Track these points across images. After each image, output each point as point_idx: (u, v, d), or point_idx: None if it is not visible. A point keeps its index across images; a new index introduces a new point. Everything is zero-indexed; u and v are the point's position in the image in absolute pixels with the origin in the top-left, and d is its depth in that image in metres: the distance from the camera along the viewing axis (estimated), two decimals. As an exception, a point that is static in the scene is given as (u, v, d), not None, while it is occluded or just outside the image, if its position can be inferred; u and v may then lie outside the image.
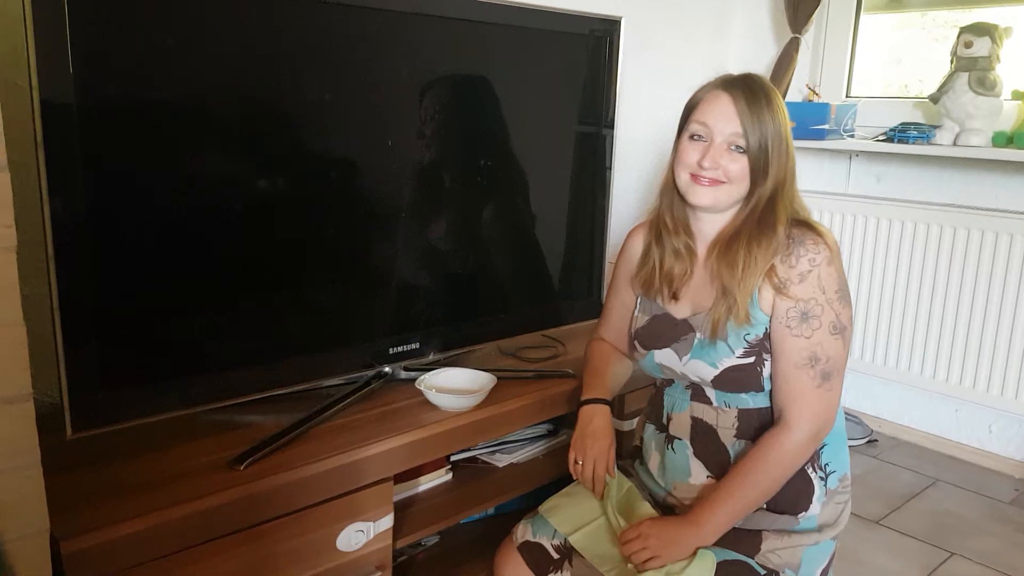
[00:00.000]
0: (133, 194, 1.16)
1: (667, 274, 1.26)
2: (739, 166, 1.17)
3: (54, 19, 1.02)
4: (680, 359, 1.24)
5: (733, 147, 1.16)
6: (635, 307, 1.36)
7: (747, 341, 1.18)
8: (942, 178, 2.52)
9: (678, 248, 1.25)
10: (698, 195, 1.19)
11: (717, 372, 1.19)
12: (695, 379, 1.23)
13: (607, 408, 1.34)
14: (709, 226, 1.24)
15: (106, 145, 1.11)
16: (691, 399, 1.25)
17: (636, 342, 1.32)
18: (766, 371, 1.18)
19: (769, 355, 1.18)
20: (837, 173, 2.74)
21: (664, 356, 1.26)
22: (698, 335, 1.22)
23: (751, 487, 1.16)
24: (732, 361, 1.18)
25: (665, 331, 1.27)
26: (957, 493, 2.34)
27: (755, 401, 1.21)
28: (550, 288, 1.81)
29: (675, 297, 1.27)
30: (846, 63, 2.79)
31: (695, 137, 1.19)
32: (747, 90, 1.17)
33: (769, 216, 1.17)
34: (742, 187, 1.18)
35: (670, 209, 1.26)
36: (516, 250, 1.74)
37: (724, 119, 1.16)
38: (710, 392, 1.23)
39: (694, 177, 1.18)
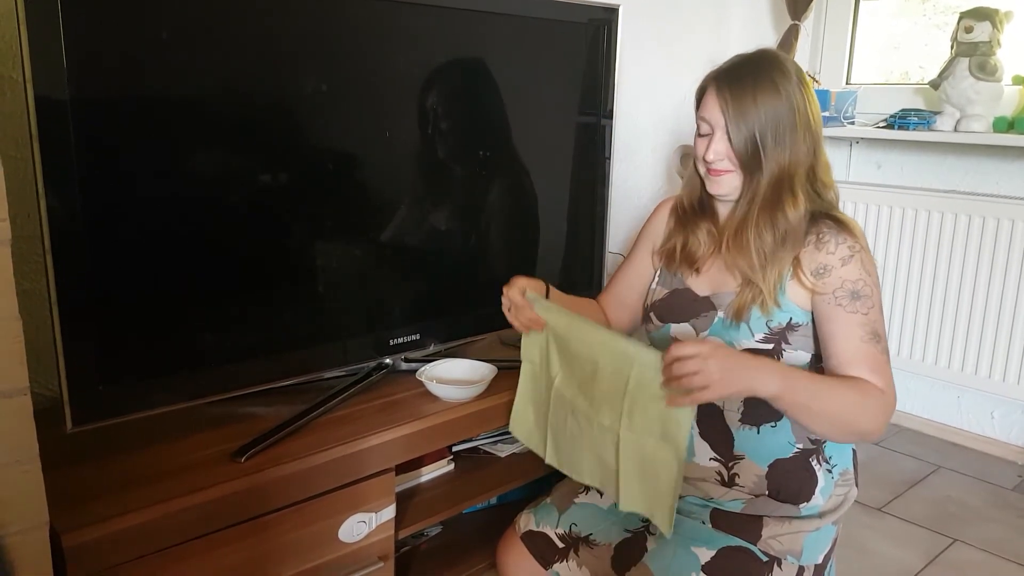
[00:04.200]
0: (130, 186, 1.15)
1: (690, 254, 1.29)
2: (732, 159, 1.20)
3: (47, 11, 1.02)
4: (697, 335, 1.24)
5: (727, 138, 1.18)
6: (653, 280, 1.36)
7: (769, 327, 1.18)
8: (943, 164, 2.52)
9: (701, 232, 1.28)
10: (711, 184, 1.23)
11: None
12: None
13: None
14: (726, 210, 1.27)
15: (102, 138, 1.11)
16: None
17: (652, 314, 1.32)
18: (784, 360, 1.18)
19: (789, 344, 1.18)
20: (838, 160, 2.73)
21: (681, 330, 1.26)
22: (720, 314, 1.22)
23: (836, 395, 1.09)
24: (751, 344, 1.18)
25: (685, 306, 1.27)
26: (960, 480, 2.34)
27: None
28: (550, 278, 1.80)
29: (697, 271, 1.28)
30: (846, 50, 2.78)
31: (701, 131, 1.23)
32: (734, 81, 1.17)
33: (775, 200, 1.17)
34: (735, 180, 1.21)
35: (695, 194, 1.30)
36: (516, 240, 1.74)
37: (715, 115, 1.19)
38: None
39: (707, 169, 1.22)
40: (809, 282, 1.16)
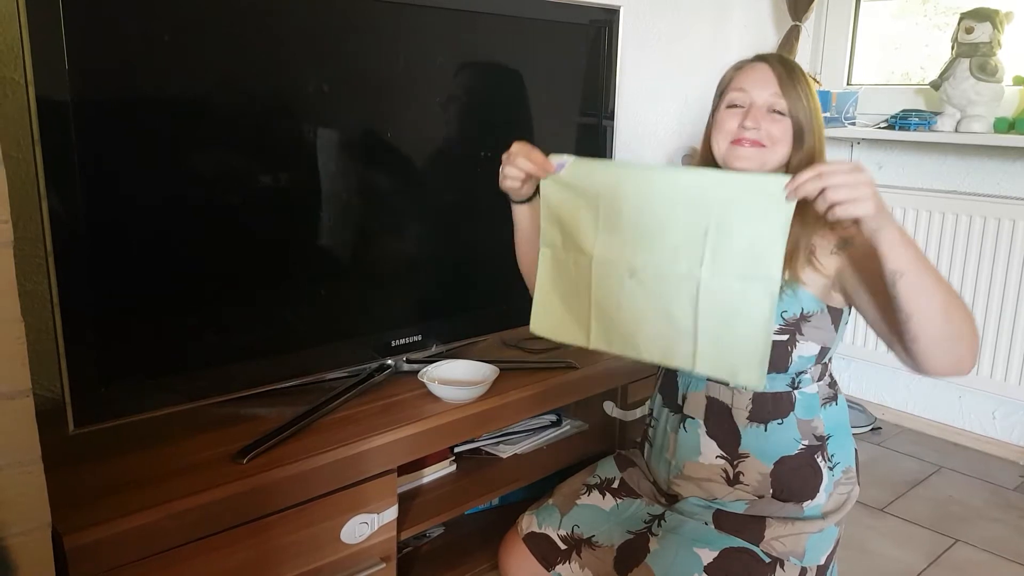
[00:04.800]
0: (132, 187, 1.15)
1: None
2: (780, 128, 1.16)
3: (48, 13, 1.02)
4: None
5: (773, 110, 1.16)
6: None
7: (783, 318, 1.17)
8: (944, 165, 2.52)
9: None
10: (741, 157, 1.16)
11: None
12: None
13: None
14: None
15: (103, 139, 1.11)
16: (707, 378, 1.25)
17: None
18: (796, 352, 1.18)
19: (802, 335, 1.17)
20: (840, 156, 2.73)
21: None
22: None
23: (941, 283, 0.99)
24: None
25: None
26: (961, 480, 2.34)
27: (772, 384, 1.20)
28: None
29: None
30: (847, 51, 2.78)
31: (733, 105, 1.19)
32: (785, 61, 1.19)
33: None
34: (783, 151, 1.17)
35: None
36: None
37: (761, 84, 1.17)
38: None
39: (736, 141, 1.17)
40: (834, 260, 1.14)
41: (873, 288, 1.11)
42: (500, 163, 1.19)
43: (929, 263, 0.99)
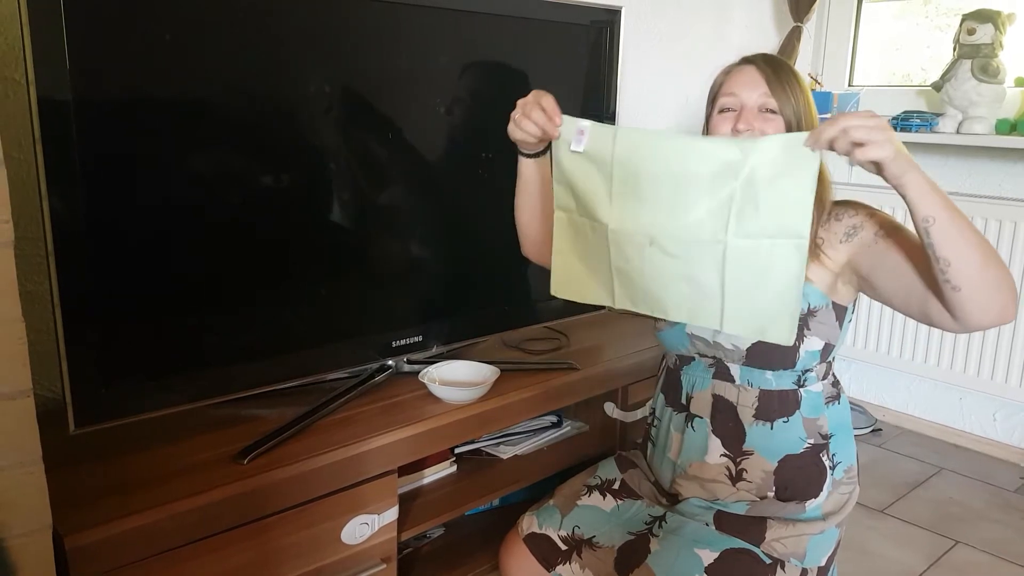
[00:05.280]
0: (133, 187, 1.15)
1: None
2: (774, 127, 1.16)
3: (50, 13, 1.02)
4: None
5: (765, 110, 1.17)
6: None
7: None
8: (945, 166, 2.51)
9: None
10: None
11: (755, 339, 1.18)
12: (729, 347, 1.21)
13: None
14: None
15: (104, 139, 1.10)
16: (713, 377, 1.25)
17: None
18: (803, 347, 1.18)
19: (809, 331, 1.17)
20: (840, 163, 2.72)
21: (697, 327, 1.24)
22: None
23: (973, 227, 0.99)
24: None
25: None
26: (962, 482, 2.33)
27: (778, 382, 1.21)
28: (552, 280, 1.81)
29: None
30: (848, 52, 2.78)
31: (725, 110, 1.19)
32: (771, 60, 1.20)
33: None
34: None
35: None
36: (518, 242, 1.73)
37: (750, 85, 1.17)
38: (734, 370, 1.23)
39: None
40: (844, 250, 1.15)
41: (896, 261, 1.10)
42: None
43: (957, 208, 0.98)
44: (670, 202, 1.06)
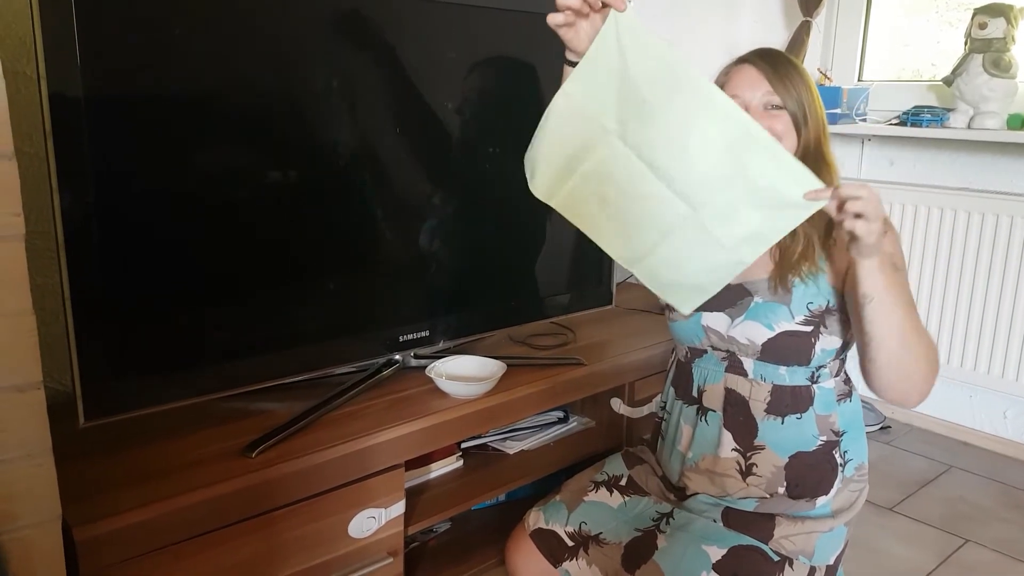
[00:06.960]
0: (143, 182, 1.16)
1: None
2: (782, 123, 1.16)
3: (61, 8, 1.02)
4: (732, 321, 1.21)
5: (770, 107, 1.16)
6: None
7: (809, 309, 1.17)
8: (956, 162, 2.50)
9: None
10: None
11: (772, 335, 1.17)
12: (744, 341, 1.21)
13: None
14: None
15: (115, 134, 1.11)
16: (726, 371, 1.24)
17: None
18: (819, 344, 1.18)
19: (826, 328, 1.17)
20: (850, 157, 2.71)
21: (713, 319, 1.24)
22: (756, 298, 1.20)
23: (909, 317, 1.07)
24: (790, 326, 1.17)
25: (718, 294, 1.25)
26: (971, 480, 2.32)
27: (792, 378, 1.20)
28: (560, 276, 1.80)
29: None
30: (858, 46, 2.76)
31: None
32: (767, 55, 1.19)
33: (822, 160, 1.16)
34: (789, 144, 1.16)
35: None
36: (525, 238, 1.74)
37: (752, 85, 1.17)
38: (748, 364, 1.22)
39: None
40: (845, 258, 1.13)
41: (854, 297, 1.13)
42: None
43: (903, 294, 1.06)
44: (681, 142, 1.00)
